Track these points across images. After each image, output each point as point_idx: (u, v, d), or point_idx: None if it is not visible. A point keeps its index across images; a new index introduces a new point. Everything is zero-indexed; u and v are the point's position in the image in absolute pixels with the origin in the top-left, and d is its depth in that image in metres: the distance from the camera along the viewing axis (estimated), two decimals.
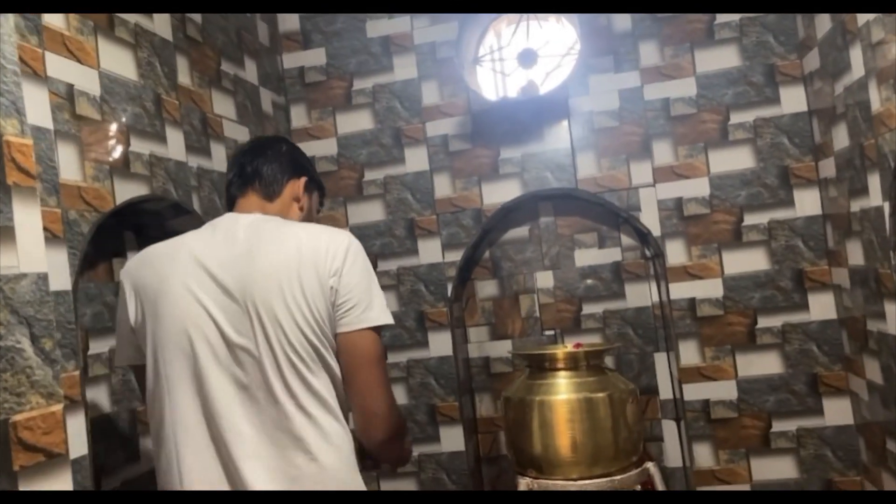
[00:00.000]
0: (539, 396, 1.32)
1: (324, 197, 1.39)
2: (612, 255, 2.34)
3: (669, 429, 2.27)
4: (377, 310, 1.14)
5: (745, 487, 2.08)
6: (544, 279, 2.38)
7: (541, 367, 1.38)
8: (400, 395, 2.29)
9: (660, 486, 1.41)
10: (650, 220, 2.17)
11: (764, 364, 2.10)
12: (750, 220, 2.11)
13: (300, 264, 1.11)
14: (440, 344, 2.28)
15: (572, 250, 2.37)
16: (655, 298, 2.32)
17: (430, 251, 2.30)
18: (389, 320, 1.16)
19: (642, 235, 2.29)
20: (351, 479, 1.12)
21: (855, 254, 1.84)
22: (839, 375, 2.05)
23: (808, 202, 2.07)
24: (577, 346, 1.47)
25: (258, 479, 1.08)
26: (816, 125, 2.02)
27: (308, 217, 1.31)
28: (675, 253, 2.15)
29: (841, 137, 1.84)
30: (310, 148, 2.37)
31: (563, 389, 1.32)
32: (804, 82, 2.07)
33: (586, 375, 1.35)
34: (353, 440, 1.14)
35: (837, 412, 2.04)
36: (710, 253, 2.13)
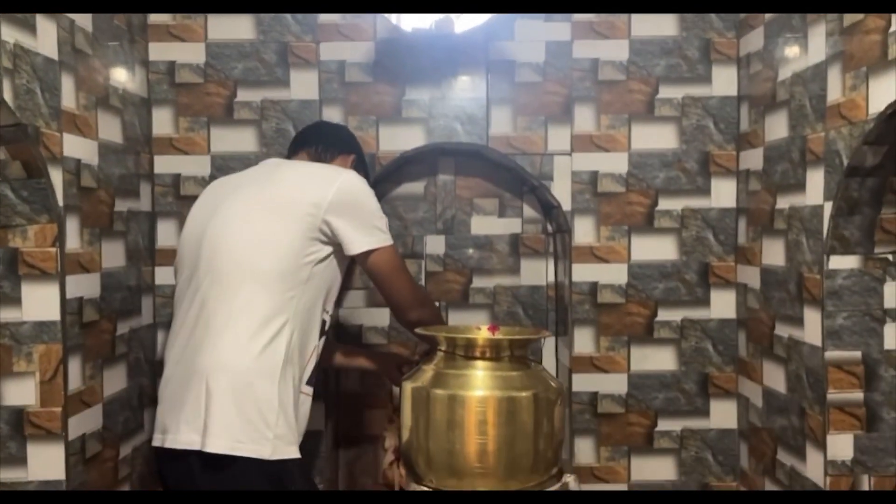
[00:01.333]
0: (451, 391, 1.05)
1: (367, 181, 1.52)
2: (511, 225, 2.12)
3: None
4: None
5: (623, 487, 1.96)
6: (435, 244, 2.11)
7: (454, 353, 1.12)
8: None
9: None
10: (562, 191, 1.96)
11: (658, 359, 1.97)
12: (664, 204, 1.96)
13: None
14: None
15: (469, 216, 2.11)
16: (552, 278, 2.13)
17: None
18: None
19: (547, 208, 2.08)
20: None
21: (773, 253, 1.74)
22: (730, 377, 1.97)
23: (724, 193, 1.95)
24: (493, 329, 1.23)
25: None
26: (745, 112, 1.90)
27: None
28: (583, 231, 1.95)
29: (777, 127, 1.71)
30: (169, 50, 1.91)
31: (480, 384, 1.06)
32: (738, 64, 1.93)
33: (509, 369, 1.10)
34: None
35: (723, 415, 1.96)
36: (620, 235, 1.96)
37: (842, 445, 1.49)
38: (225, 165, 1.93)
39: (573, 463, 1.95)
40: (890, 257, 1.48)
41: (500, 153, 1.96)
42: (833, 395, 1.50)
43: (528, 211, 2.11)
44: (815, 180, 1.53)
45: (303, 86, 1.93)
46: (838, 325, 1.50)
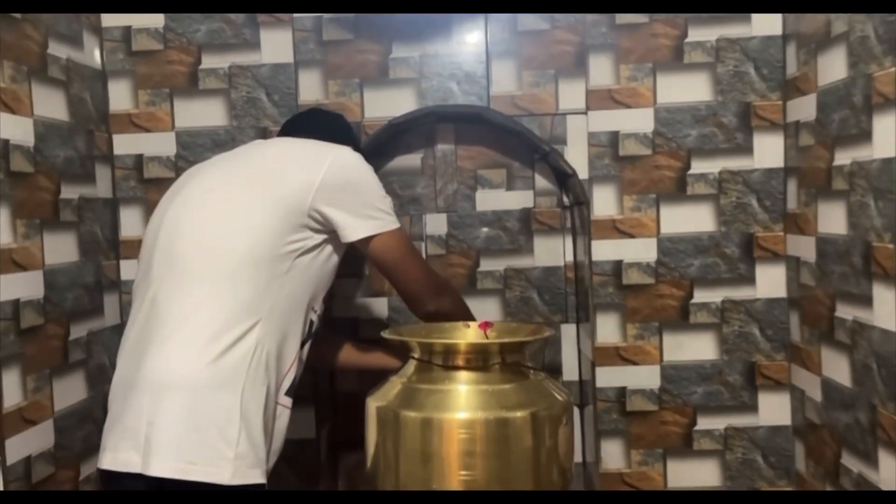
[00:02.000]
0: (425, 412, 0.81)
1: None
2: (522, 199, 1.85)
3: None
4: None
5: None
6: (436, 224, 1.86)
7: (430, 362, 0.88)
8: None
9: None
10: (577, 157, 1.68)
11: (696, 348, 1.70)
12: (698, 167, 1.67)
13: None
14: None
15: (474, 190, 1.86)
16: (570, 258, 1.87)
17: None
18: None
19: (562, 178, 1.81)
20: None
21: (831, 219, 1.45)
22: (781, 367, 1.69)
23: (768, 151, 1.66)
24: (485, 327, 0.98)
25: None
26: (793, 52, 1.60)
27: None
28: (604, 203, 1.68)
29: (832, 68, 1.42)
30: (123, 15, 1.68)
31: (463, 402, 0.82)
32: None
33: (500, 380, 0.85)
34: None
35: (774, 411, 1.69)
36: (647, 206, 1.68)
37: None
38: (192, 143, 1.70)
39: (599, 469, 1.70)
40: None
41: (503, 115, 1.69)
42: None
43: (541, 182, 1.85)
44: (885, 128, 1.24)
45: (275, 48, 1.69)
46: None
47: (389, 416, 0.86)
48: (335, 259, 1.26)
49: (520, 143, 1.80)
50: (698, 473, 1.70)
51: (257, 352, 1.14)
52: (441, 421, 0.82)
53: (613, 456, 1.70)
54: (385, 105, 1.69)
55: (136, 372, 1.18)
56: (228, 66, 1.69)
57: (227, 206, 1.21)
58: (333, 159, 1.22)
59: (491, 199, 1.85)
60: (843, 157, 1.39)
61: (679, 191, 1.67)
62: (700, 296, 1.68)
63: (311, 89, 1.70)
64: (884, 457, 1.29)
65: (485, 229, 1.85)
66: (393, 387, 0.89)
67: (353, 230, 1.21)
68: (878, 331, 1.29)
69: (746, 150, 1.66)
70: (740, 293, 1.68)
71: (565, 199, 1.84)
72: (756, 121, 1.66)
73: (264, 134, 1.69)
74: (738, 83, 1.65)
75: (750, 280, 1.68)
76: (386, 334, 0.93)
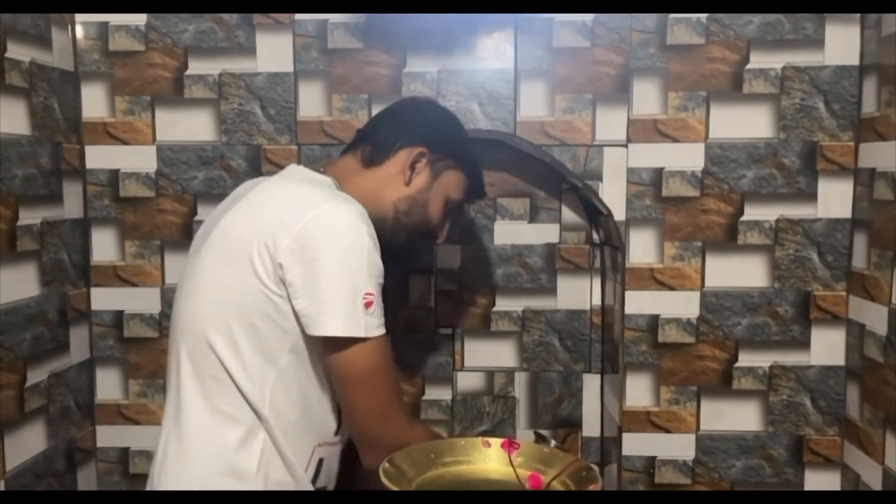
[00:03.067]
0: None
1: (475, 194, 1.25)
2: (546, 233, 1.64)
3: None
4: None
5: None
6: (448, 256, 1.66)
7: None
8: None
9: None
10: (614, 195, 1.47)
11: (737, 418, 1.50)
12: (752, 213, 1.46)
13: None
14: None
15: (493, 220, 1.65)
16: (597, 301, 1.66)
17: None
18: None
19: (593, 215, 1.60)
20: None
21: None
22: (833, 441, 1.49)
23: (835, 199, 1.44)
24: (509, 448, 0.78)
25: None
26: (872, 87, 1.37)
27: (421, 204, 1.14)
28: (642, 248, 1.47)
29: None
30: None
31: None
32: (861, 22, 1.40)
33: None
34: None
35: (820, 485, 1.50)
36: (691, 254, 1.47)
37: None
38: (175, 159, 1.50)
39: None
40: None
41: (531, 144, 1.48)
42: None
43: (568, 215, 1.63)
44: None
45: (272, 54, 1.47)
46: None
47: None
48: None
49: (547, 170, 1.59)
50: None
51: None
52: None
53: None
54: None
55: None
56: (219, 74, 1.48)
57: (213, 280, 1.04)
58: (311, 219, 0.96)
59: (511, 232, 1.64)
60: None
61: (729, 239, 1.46)
62: (745, 359, 1.48)
63: (312, 104, 1.48)
64: None
65: (503, 265, 1.65)
66: None
67: (315, 322, 0.97)
68: None
69: (809, 196, 1.44)
70: (792, 358, 1.48)
71: (595, 236, 1.63)
72: (822, 163, 1.44)
73: (257, 152, 1.48)
74: (804, 119, 1.43)
75: (804, 344, 1.47)
76: (386, 480, 0.73)
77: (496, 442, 0.81)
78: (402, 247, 1.17)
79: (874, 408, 1.36)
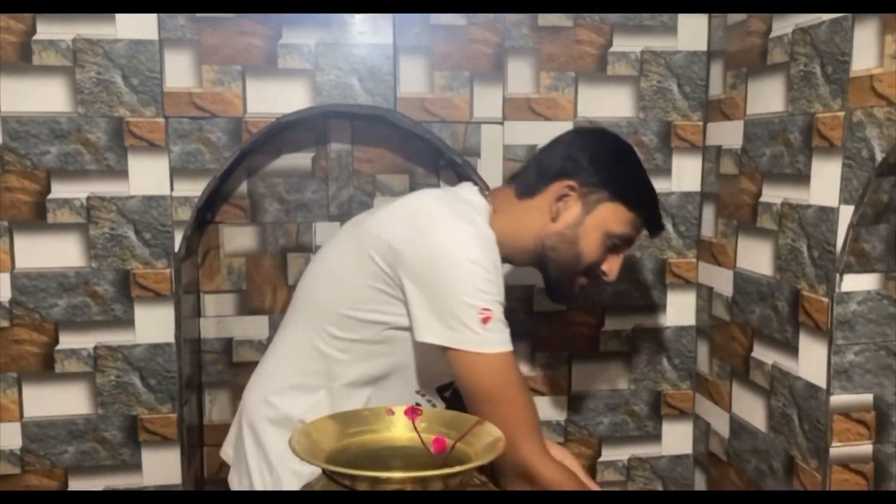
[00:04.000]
0: None
1: (649, 229, 1.17)
2: None
3: None
4: None
5: None
6: (328, 233, 1.64)
7: (351, 489, 0.68)
8: (79, 401, 1.43)
9: None
10: (491, 171, 1.52)
11: (605, 377, 1.62)
12: None
13: None
14: (155, 324, 1.44)
15: (372, 196, 1.65)
16: None
17: (147, 175, 1.42)
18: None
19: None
20: None
21: (753, 257, 1.39)
22: (685, 395, 1.64)
23: (687, 174, 1.58)
24: (412, 414, 0.80)
25: None
26: (718, 72, 1.51)
27: (570, 240, 1.09)
28: None
29: (766, 98, 1.34)
30: None
31: None
32: (710, 17, 1.53)
33: None
34: None
35: (677, 439, 1.65)
36: None
37: None
38: (23, 132, 1.36)
39: None
40: None
41: (412, 121, 1.49)
42: (837, 448, 1.18)
43: None
44: (827, 174, 1.17)
45: (134, 20, 1.37)
46: (848, 363, 1.17)
47: None
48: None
49: (426, 146, 1.61)
50: None
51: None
52: None
53: None
54: (272, 98, 1.44)
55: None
56: (72, 39, 1.36)
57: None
58: (430, 238, 1.00)
59: None
60: (773, 195, 1.32)
61: None
62: (610, 324, 1.60)
63: (180, 74, 1.40)
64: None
65: None
66: None
67: (421, 330, 1.00)
68: (804, 383, 1.24)
69: (665, 171, 1.57)
70: (651, 321, 1.61)
71: None
72: (676, 141, 1.57)
73: (119, 125, 1.39)
74: (660, 100, 1.55)
75: (661, 308, 1.61)
76: (292, 442, 0.72)
77: (399, 409, 0.82)
78: (560, 284, 1.12)
79: (721, 362, 1.52)
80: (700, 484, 1.63)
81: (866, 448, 1.18)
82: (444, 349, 0.99)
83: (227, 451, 1.27)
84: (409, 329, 1.03)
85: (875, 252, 1.14)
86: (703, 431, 1.61)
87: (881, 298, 1.16)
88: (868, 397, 1.17)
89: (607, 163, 1.10)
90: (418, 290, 0.98)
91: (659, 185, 1.52)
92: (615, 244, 1.12)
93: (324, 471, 0.73)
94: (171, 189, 1.42)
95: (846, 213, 1.13)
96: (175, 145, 1.41)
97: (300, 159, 1.61)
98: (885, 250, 1.14)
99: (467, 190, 1.13)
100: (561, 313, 1.57)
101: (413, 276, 0.98)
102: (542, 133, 1.49)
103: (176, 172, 1.42)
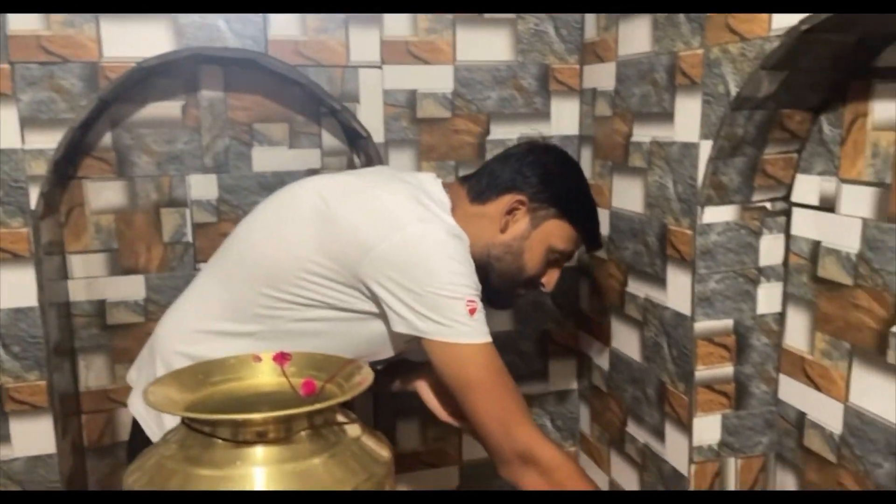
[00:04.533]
0: None
1: (587, 246, 1.22)
2: (308, 159, 1.62)
3: None
4: None
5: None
6: (203, 186, 1.57)
7: (212, 436, 0.66)
8: None
9: None
10: (371, 117, 1.49)
11: (498, 320, 1.64)
12: (498, 132, 1.57)
13: None
14: (15, 287, 1.35)
15: (249, 147, 1.58)
16: None
17: None
18: None
19: (353, 136, 1.61)
20: None
21: (626, 196, 1.44)
22: (570, 333, 1.71)
23: (566, 117, 1.61)
24: (281, 360, 0.78)
25: None
26: (592, 15, 1.53)
27: (516, 252, 1.13)
28: (401, 167, 1.52)
29: (635, 39, 1.37)
30: None
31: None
32: None
33: (309, 453, 0.66)
34: None
35: (562, 376, 1.72)
36: (446, 173, 1.55)
37: (708, 428, 1.28)
38: None
39: None
40: (768, 205, 1.23)
41: (284, 64, 1.43)
42: (702, 371, 1.26)
43: (329, 139, 1.63)
44: (688, 109, 1.22)
45: None
46: (710, 291, 1.24)
47: None
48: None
49: (304, 93, 1.55)
50: None
51: None
52: None
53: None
54: (130, 42, 1.34)
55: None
56: None
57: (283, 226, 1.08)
58: (405, 234, 1.00)
59: (271, 158, 1.59)
60: (643, 134, 1.37)
61: (479, 157, 1.56)
62: None
63: (25, 15, 1.28)
64: (672, 433, 1.34)
65: (265, 193, 1.60)
66: (159, 470, 0.66)
67: (401, 323, 1.01)
68: (672, 312, 1.31)
69: (544, 114, 1.59)
70: None
71: (356, 160, 1.65)
72: (554, 84, 1.59)
73: None
74: (538, 43, 1.56)
75: None
76: (146, 393, 0.68)
77: (267, 356, 0.80)
78: (501, 292, 1.14)
79: (600, 298, 1.58)
80: (584, 417, 1.70)
81: (728, 370, 1.27)
82: (429, 342, 1.00)
83: (131, 376, 1.22)
84: (357, 312, 1.04)
85: (732, 184, 1.20)
86: (585, 366, 1.68)
87: (739, 228, 1.23)
88: (728, 322, 1.25)
89: (557, 181, 1.14)
90: (397, 287, 0.99)
91: (540, 128, 1.55)
92: (556, 258, 1.17)
93: (183, 420, 0.70)
94: (23, 141, 1.31)
95: (706, 148, 1.18)
96: (24, 94, 1.30)
97: (169, 108, 1.52)
98: (742, 182, 1.20)
99: (430, 183, 1.14)
100: None
101: (388, 276, 0.99)
102: (422, 78, 1.49)
103: (27, 123, 1.31)
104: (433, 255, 0.99)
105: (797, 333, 1.23)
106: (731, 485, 1.29)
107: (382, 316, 1.04)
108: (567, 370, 1.72)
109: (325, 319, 1.06)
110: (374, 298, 1.03)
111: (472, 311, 0.98)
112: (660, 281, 1.33)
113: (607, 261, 1.53)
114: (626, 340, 1.48)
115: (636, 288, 1.43)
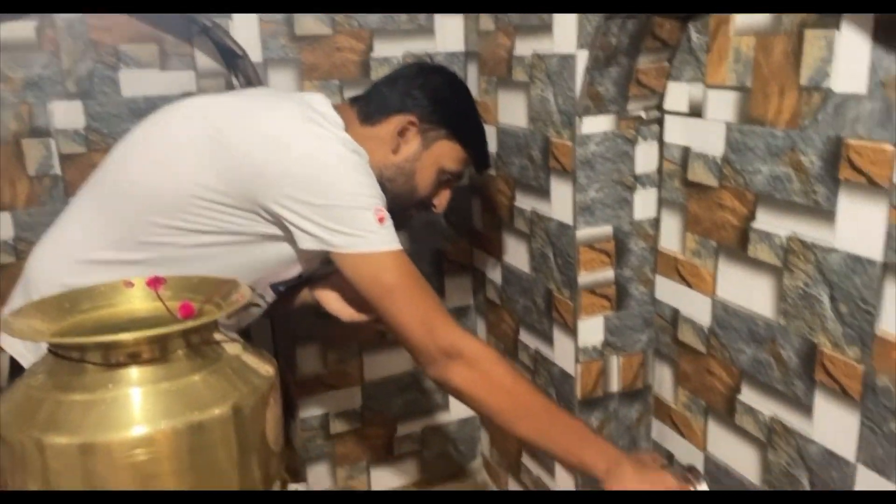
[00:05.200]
0: (83, 436, 0.58)
1: (476, 168, 1.22)
2: (182, 81, 1.53)
3: None
4: None
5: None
6: (67, 114, 1.46)
7: (82, 361, 0.63)
8: None
9: None
10: (247, 35, 1.42)
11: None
12: (381, 50, 1.54)
13: None
14: None
15: (116, 70, 1.48)
16: None
17: None
18: None
19: (229, 56, 1.54)
20: None
21: (512, 111, 1.45)
22: (465, 250, 1.74)
23: (450, 34, 1.59)
24: (155, 284, 0.75)
25: None
26: None
27: (408, 173, 1.14)
28: (283, 89, 1.47)
29: None
30: None
31: (137, 413, 0.61)
32: None
33: (186, 371, 0.65)
34: None
35: (459, 292, 1.76)
36: (330, 92, 1.51)
37: (592, 330, 1.35)
38: None
39: None
40: (643, 114, 1.28)
41: None
42: (584, 276, 1.32)
43: (204, 60, 1.54)
44: (567, 22, 1.23)
45: None
46: (590, 200, 1.29)
47: (28, 448, 0.62)
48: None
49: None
50: (400, 476, 1.72)
51: None
52: (109, 446, 0.61)
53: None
54: None
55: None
56: None
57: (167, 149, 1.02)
58: (303, 151, 0.97)
59: (141, 82, 1.50)
60: (524, 48, 1.37)
61: (363, 76, 1.52)
62: None
63: None
64: (559, 336, 1.41)
65: (136, 119, 1.51)
66: (27, 400, 0.63)
67: (310, 240, 0.99)
68: (556, 223, 1.35)
69: (429, 31, 1.57)
70: None
71: (235, 81, 1.58)
72: None
73: None
74: None
75: None
76: (3, 321, 0.65)
77: (140, 281, 0.77)
78: (393, 213, 1.07)
79: (491, 214, 1.61)
80: (481, 330, 1.76)
81: (609, 274, 1.33)
82: (341, 256, 0.98)
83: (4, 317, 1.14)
84: (255, 236, 1.02)
85: (608, 94, 1.23)
86: (480, 282, 1.72)
87: (615, 138, 1.27)
88: (608, 229, 1.31)
89: (447, 102, 1.14)
90: (301, 205, 0.97)
91: (424, 45, 1.53)
92: (447, 179, 1.17)
93: (49, 348, 0.67)
94: None
95: (583, 59, 1.20)
96: None
97: (20, 29, 1.39)
98: (617, 92, 1.24)
99: (319, 103, 1.09)
100: None
101: (290, 195, 0.96)
102: None
103: None
104: (334, 168, 0.97)
105: (671, 236, 1.30)
106: (614, 381, 1.38)
107: (286, 237, 1.02)
108: (463, 287, 1.76)
109: (219, 244, 1.02)
110: (277, 220, 1.00)
111: (381, 220, 0.98)
112: (544, 193, 1.37)
113: (496, 177, 1.55)
114: (516, 253, 1.52)
115: (523, 202, 1.46)
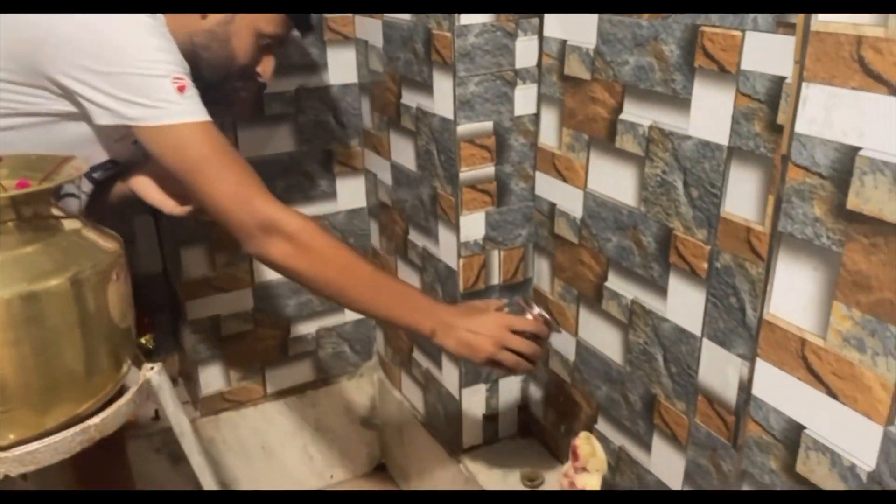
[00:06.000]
0: None
1: (298, 28, 1.16)
2: None
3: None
4: None
5: (262, 405, 1.74)
6: None
7: None
8: None
9: (170, 403, 0.85)
10: None
11: (275, 143, 1.62)
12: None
13: None
14: None
15: None
16: None
17: None
18: None
19: None
20: None
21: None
22: (356, 152, 1.73)
23: None
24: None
25: None
26: None
27: (222, 39, 1.05)
28: None
29: None
30: None
31: None
32: None
33: (20, 242, 0.63)
34: None
35: (352, 195, 1.76)
36: None
37: (474, 225, 1.38)
38: None
39: (200, 394, 1.60)
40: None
41: None
42: (465, 172, 1.34)
43: None
44: None
45: None
46: (470, 94, 1.29)
47: None
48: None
49: None
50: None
51: None
52: None
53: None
54: None
55: None
56: None
57: None
58: (86, 17, 0.89)
59: None
60: None
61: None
62: (275, 85, 1.57)
63: None
64: (443, 232, 1.44)
65: None
66: None
67: (104, 115, 0.91)
68: (439, 118, 1.36)
69: None
70: (314, 80, 1.62)
71: None
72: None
73: None
74: None
75: (324, 67, 1.61)
76: None
77: None
78: (216, 86, 1.01)
79: (381, 114, 1.60)
80: (374, 231, 1.77)
81: (489, 170, 1.36)
82: (141, 129, 0.91)
83: None
84: (48, 115, 0.95)
85: None
86: (371, 183, 1.72)
87: (495, 30, 1.27)
88: (489, 124, 1.32)
89: None
90: (89, 74, 0.90)
91: None
92: (268, 43, 1.10)
93: None
94: None
95: None
96: None
97: None
98: None
99: None
100: None
101: (76, 64, 0.89)
102: None
103: None
104: (122, 32, 0.90)
105: (549, 132, 1.33)
106: (495, 274, 1.43)
107: (82, 115, 0.96)
108: (355, 188, 1.75)
109: (13, 128, 0.96)
110: (68, 94, 0.93)
111: (181, 89, 0.91)
112: (428, 88, 1.37)
113: (383, 74, 1.53)
114: (404, 152, 1.52)
115: (409, 98, 1.45)
